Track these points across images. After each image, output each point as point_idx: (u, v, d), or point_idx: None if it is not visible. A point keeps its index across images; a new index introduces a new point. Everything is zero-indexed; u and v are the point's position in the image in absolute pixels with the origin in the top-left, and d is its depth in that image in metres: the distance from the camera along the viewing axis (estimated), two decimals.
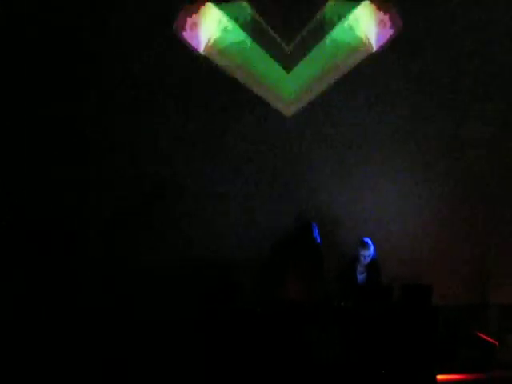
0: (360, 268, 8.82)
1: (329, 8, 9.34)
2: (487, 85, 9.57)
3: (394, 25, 9.34)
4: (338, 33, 9.39)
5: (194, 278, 9.13)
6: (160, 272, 9.19)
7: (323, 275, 8.88)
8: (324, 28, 9.37)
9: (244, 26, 9.31)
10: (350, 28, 9.40)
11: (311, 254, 8.96)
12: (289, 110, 9.50)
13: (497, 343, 9.17)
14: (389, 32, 9.35)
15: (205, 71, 9.31)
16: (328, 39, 9.39)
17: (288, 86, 9.48)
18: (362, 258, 8.73)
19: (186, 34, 9.23)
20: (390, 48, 9.40)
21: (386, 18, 9.33)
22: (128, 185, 9.35)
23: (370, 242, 8.76)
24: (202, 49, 9.27)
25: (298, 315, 8.24)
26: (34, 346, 8.67)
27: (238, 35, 9.32)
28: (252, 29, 9.34)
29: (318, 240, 8.96)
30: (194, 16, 9.21)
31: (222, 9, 9.29)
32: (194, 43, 9.28)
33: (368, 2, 9.34)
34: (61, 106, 9.22)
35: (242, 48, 9.35)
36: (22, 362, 8.48)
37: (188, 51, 9.27)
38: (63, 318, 8.89)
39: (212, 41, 9.31)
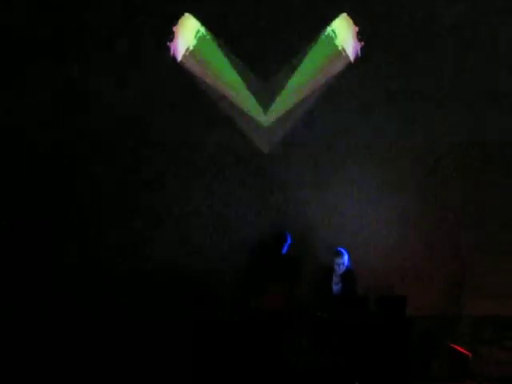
0: (335, 278, 8.85)
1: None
2: (467, 90, 9.63)
3: (368, 35, 9.42)
4: (317, 44, 9.46)
5: (170, 289, 9.13)
6: (138, 281, 9.21)
7: (299, 284, 8.92)
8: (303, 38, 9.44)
9: (222, 37, 9.38)
10: (329, 39, 9.47)
11: (286, 263, 8.98)
12: (267, 119, 9.52)
13: (470, 354, 9.14)
14: (364, 43, 9.42)
15: (183, 79, 9.36)
16: (307, 49, 9.47)
17: (266, 95, 9.51)
18: (336, 267, 8.78)
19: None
20: (368, 57, 9.46)
21: (361, 29, 9.43)
22: (109, 189, 9.39)
23: (343, 251, 8.82)
24: (179, 57, 9.32)
25: (274, 324, 8.25)
26: (28, 346, 8.65)
27: (216, 45, 9.38)
28: (228, 38, 9.40)
29: (286, 250, 8.97)
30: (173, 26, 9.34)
31: (199, 20, 9.37)
32: (172, 51, 9.33)
33: (345, 15, 9.43)
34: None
35: (220, 57, 9.40)
36: (17, 362, 8.49)
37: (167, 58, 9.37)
38: (46, 320, 8.90)
39: (190, 50, 9.36)
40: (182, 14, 9.34)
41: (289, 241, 9.03)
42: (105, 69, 9.32)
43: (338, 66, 9.47)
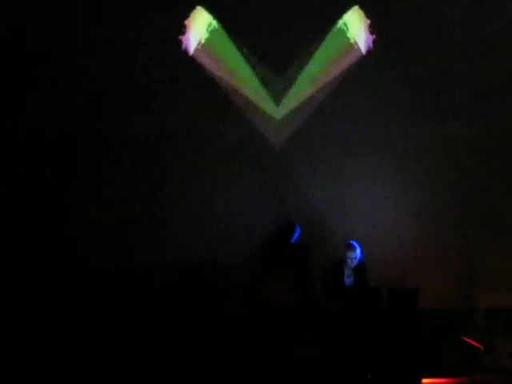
0: (347, 271, 8.83)
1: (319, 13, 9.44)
2: (477, 88, 9.64)
3: (382, 30, 9.44)
4: (328, 37, 9.47)
5: (178, 281, 9.17)
6: (145, 275, 9.22)
7: (308, 273, 8.97)
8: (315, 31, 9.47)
9: (234, 30, 9.39)
10: (340, 32, 9.48)
11: (294, 252, 9.00)
12: (279, 112, 9.54)
13: (481, 347, 9.17)
14: (377, 37, 9.45)
15: (193, 72, 9.39)
16: (319, 42, 9.47)
17: (277, 89, 9.53)
18: (348, 261, 8.76)
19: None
20: (380, 53, 9.49)
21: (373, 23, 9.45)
22: (114, 185, 9.40)
23: (356, 244, 8.80)
24: (191, 51, 9.35)
25: (285, 317, 8.24)
26: (28, 346, 8.66)
27: (228, 38, 9.40)
28: (241, 31, 9.43)
29: (296, 240, 8.99)
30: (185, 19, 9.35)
31: (211, 13, 9.39)
32: (184, 45, 9.36)
33: (357, 8, 9.44)
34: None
35: (231, 51, 9.43)
36: (17, 362, 8.50)
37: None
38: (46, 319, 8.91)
39: (201, 43, 9.39)
40: (194, 8, 9.37)
41: (298, 230, 9.05)
42: (112, 64, 9.35)
43: (351, 59, 9.48)
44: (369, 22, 9.44)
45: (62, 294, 9.07)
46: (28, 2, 9.22)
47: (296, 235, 9.07)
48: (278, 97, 9.53)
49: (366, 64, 9.49)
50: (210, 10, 9.38)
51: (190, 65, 9.38)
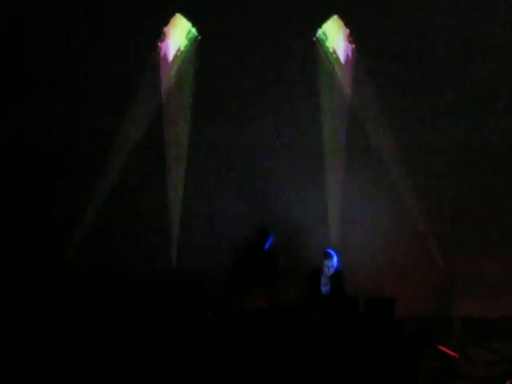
0: (324, 279, 8.83)
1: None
2: (457, 98, 9.69)
3: (359, 39, 9.50)
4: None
5: (160, 289, 9.20)
6: (124, 280, 9.31)
7: (278, 279, 8.99)
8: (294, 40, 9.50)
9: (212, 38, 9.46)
10: (319, 42, 9.53)
11: (267, 259, 9.02)
12: (258, 121, 9.62)
13: (457, 355, 9.19)
14: (356, 45, 9.50)
15: (176, 78, 9.48)
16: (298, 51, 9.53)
17: (258, 98, 9.58)
18: (325, 269, 8.75)
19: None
20: (359, 61, 9.52)
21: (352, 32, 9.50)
22: (109, 193, 9.48)
23: (333, 252, 8.80)
24: (170, 57, 9.42)
25: (263, 325, 8.26)
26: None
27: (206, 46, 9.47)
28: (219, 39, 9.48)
29: (269, 247, 9.02)
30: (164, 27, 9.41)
31: (190, 20, 9.46)
32: (163, 51, 9.43)
33: (336, 17, 9.49)
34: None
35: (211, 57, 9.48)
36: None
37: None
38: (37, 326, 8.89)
39: (180, 50, 9.46)
40: (174, 15, 9.43)
41: (271, 238, 9.06)
42: (100, 69, 9.43)
43: (329, 68, 9.56)
44: (348, 31, 9.49)
45: (56, 295, 9.15)
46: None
47: (269, 242, 9.07)
48: (257, 104, 9.60)
49: (345, 73, 9.55)
50: (189, 17, 9.44)
51: (169, 71, 9.45)
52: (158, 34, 9.39)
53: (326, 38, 9.52)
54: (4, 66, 9.37)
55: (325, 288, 8.82)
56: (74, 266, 9.31)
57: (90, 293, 9.16)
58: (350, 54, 9.49)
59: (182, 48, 9.44)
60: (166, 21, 9.42)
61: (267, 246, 9.04)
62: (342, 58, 9.52)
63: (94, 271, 9.31)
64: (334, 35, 9.51)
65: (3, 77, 9.37)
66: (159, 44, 9.38)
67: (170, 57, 9.39)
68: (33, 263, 9.29)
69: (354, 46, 9.49)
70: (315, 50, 9.53)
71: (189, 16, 9.43)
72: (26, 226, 9.37)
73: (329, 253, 8.78)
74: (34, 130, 9.44)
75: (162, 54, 9.39)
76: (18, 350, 8.56)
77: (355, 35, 9.50)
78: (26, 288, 9.17)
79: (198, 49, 9.45)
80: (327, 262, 8.72)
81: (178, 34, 9.41)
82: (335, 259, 8.76)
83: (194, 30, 9.41)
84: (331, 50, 9.53)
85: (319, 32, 9.51)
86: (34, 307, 9.04)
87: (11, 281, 9.18)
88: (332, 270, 8.75)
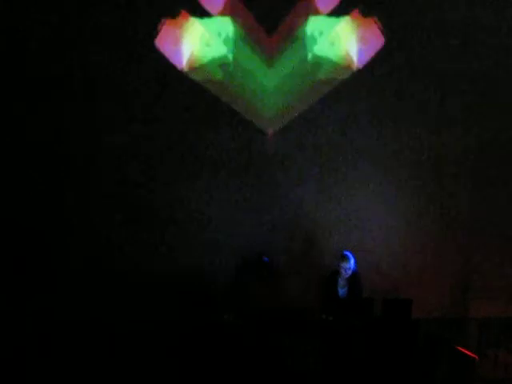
0: (341, 281, 8.85)
1: (310, 24, 9.34)
2: (470, 100, 9.67)
3: (375, 41, 9.34)
4: (319, 49, 9.39)
5: (167, 292, 9.18)
6: (133, 283, 9.28)
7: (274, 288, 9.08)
8: (306, 44, 9.39)
9: (226, 41, 9.32)
10: (332, 44, 9.42)
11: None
12: (270, 126, 9.56)
13: (476, 357, 9.09)
14: (370, 48, 9.35)
15: (187, 87, 9.40)
16: (310, 55, 9.41)
17: (269, 102, 9.53)
18: (342, 272, 8.78)
19: (169, 49, 9.22)
20: (373, 65, 9.42)
21: (367, 34, 9.33)
22: (111, 194, 9.47)
23: (350, 254, 8.81)
24: (183, 64, 9.26)
25: (279, 327, 8.27)
26: (29, 349, 8.73)
27: (220, 50, 9.32)
28: (234, 44, 9.37)
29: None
30: (176, 31, 9.20)
31: (204, 24, 9.30)
32: (175, 58, 9.27)
33: (349, 18, 9.33)
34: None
35: (224, 63, 9.36)
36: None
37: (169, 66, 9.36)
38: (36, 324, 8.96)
39: (194, 56, 9.29)
40: (187, 19, 9.24)
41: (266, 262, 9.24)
42: (104, 70, 9.41)
43: (343, 72, 9.43)
44: (362, 31, 9.35)
45: (62, 297, 9.16)
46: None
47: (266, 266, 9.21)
48: (269, 110, 9.52)
49: (358, 75, 9.44)
50: (203, 21, 9.29)
51: (181, 74, 9.35)
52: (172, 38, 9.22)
53: (340, 40, 9.35)
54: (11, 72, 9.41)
55: (342, 290, 8.85)
56: (76, 269, 9.30)
57: (100, 296, 9.17)
58: (363, 56, 9.34)
59: (196, 51, 9.27)
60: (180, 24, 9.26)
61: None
62: (356, 61, 9.33)
63: (101, 274, 9.30)
64: (348, 37, 9.37)
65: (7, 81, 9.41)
66: (173, 47, 9.21)
67: (183, 62, 9.25)
68: (34, 264, 9.27)
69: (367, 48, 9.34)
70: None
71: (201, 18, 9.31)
72: (27, 226, 9.35)
73: (346, 255, 8.80)
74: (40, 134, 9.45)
75: (176, 58, 9.21)
76: (20, 351, 8.64)
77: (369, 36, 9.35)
78: (26, 288, 9.15)
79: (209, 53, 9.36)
80: (344, 265, 8.75)
81: (192, 38, 9.26)
82: (352, 261, 8.78)
83: (207, 34, 9.25)
84: (344, 52, 9.37)
85: (332, 34, 9.36)
86: (36, 307, 9.04)
87: (11, 281, 9.18)
88: (349, 272, 8.78)
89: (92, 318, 8.99)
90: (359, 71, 9.32)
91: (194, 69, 9.32)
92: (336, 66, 9.42)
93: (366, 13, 9.08)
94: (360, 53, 9.32)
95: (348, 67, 9.39)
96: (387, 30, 9.31)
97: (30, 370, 8.49)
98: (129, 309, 9.07)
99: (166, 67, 9.17)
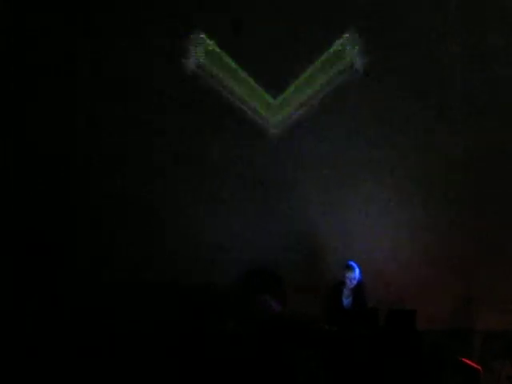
0: (346, 292, 8.87)
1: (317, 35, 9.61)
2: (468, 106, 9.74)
3: (376, 52, 9.64)
4: (325, 58, 9.65)
5: (171, 301, 9.26)
6: (139, 292, 9.34)
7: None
8: (312, 54, 9.63)
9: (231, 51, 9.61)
10: (337, 54, 9.66)
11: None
12: (274, 133, 9.70)
13: (481, 368, 9.05)
14: (373, 59, 9.64)
15: (194, 93, 9.61)
16: (316, 64, 9.64)
17: (274, 110, 9.69)
18: (347, 282, 8.80)
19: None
20: (374, 74, 9.65)
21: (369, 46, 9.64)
22: (112, 197, 9.55)
23: (355, 265, 8.84)
24: (191, 71, 9.59)
25: (284, 338, 8.27)
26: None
27: (226, 59, 9.60)
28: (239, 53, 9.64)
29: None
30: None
31: (209, 36, 9.63)
32: (185, 66, 9.61)
33: (352, 31, 9.62)
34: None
35: (229, 71, 9.63)
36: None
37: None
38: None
39: (201, 63, 9.62)
40: (194, 31, 9.61)
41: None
42: (117, 82, 9.58)
43: (347, 81, 9.68)
44: (363, 43, 9.62)
45: (64, 300, 9.25)
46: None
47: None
48: (275, 117, 9.69)
49: (360, 83, 9.68)
50: (209, 33, 9.60)
51: (190, 85, 9.63)
52: (181, 51, 9.58)
53: (344, 50, 9.67)
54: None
55: (347, 300, 8.87)
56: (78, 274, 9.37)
57: (103, 304, 9.21)
58: (365, 65, 9.65)
59: (203, 62, 9.61)
60: (188, 38, 9.60)
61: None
62: (360, 70, 9.65)
63: (99, 281, 9.39)
64: (351, 47, 9.66)
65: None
66: (183, 60, 9.59)
67: (193, 71, 9.60)
68: (37, 267, 9.33)
69: (368, 58, 9.63)
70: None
71: (208, 33, 9.60)
72: (33, 230, 9.42)
73: (351, 265, 8.83)
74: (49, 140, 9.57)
75: (185, 68, 9.58)
76: (22, 351, 8.67)
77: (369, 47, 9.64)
78: (27, 291, 9.22)
79: (217, 63, 9.61)
80: (349, 275, 8.77)
81: (199, 51, 9.61)
82: (357, 271, 8.81)
83: (213, 46, 9.58)
84: (348, 61, 9.67)
85: (337, 44, 9.65)
86: (39, 310, 9.10)
87: (13, 282, 9.24)
88: (354, 282, 8.80)
89: (92, 320, 9.06)
90: (362, 79, 9.60)
91: (201, 76, 9.62)
92: (340, 75, 9.68)
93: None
94: (362, 63, 9.62)
95: (351, 76, 9.65)
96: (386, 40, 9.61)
97: (37, 368, 8.55)
98: (130, 310, 9.14)
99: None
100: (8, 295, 9.13)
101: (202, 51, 9.61)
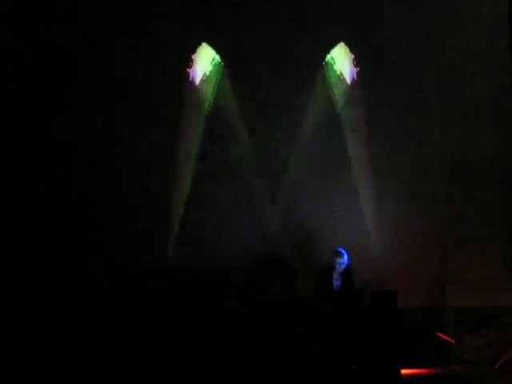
0: (335, 275, 9.20)
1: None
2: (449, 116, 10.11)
3: (363, 63, 10.00)
4: (318, 69, 10.03)
5: (180, 282, 9.51)
6: (148, 276, 9.52)
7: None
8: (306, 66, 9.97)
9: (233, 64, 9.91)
10: (328, 65, 10.05)
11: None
12: (270, 135, 10.03)
13: (453, 342, 9.64)
14: (360, 69, 10.01)
15: (198, 101, 9.88)
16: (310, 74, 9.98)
17: (272, 111, 10.03)
18: (337, 266, 9.13)
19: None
20: (363, 82, 10.04)
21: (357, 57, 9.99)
22: (125, 192, 9.76)
23: (343, 251, 9.19)
24: (197, 81, 9.89)
25: (281, 316, 8.53)
26: (28, 347, 8.85)
27: (228, 72, 9.92)
28: (240, 65, 9.96)
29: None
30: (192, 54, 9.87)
31: (214, 48, 9.93)
32: (190, 77, 9.91)
33: (343, 44, 10.08)
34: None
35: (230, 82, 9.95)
36: (23, 365, 8.67)
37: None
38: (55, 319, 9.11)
39: (206, 75, 9.93)
40: (200, 44, 9.94)
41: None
42: (122, 91, 9.76)
43: (338, 89, 10.03)
44: (353, 56, 10.03)
45: (77, 292, 9.32)
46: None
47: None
48: (272, 122, 10.01)
49: (351, 93, 10.00)
50: (214, 46, 9.91)
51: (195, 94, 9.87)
52: (187, 61, 9.84)
53: (334, 62, 10.05)
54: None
55: (337, 282, 9.21)
56: (93, 264, 9.41)
57: (112, 289, 9.33)
58: (355, 76, 10.01)
59: (208, 73, 9.90)
60: (194, 49, 9.86)
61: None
62: (349, 80, 10.01)
63: (111, 268, 9.47)
64: (341, 60, 10.02)
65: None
66: (188, 70, 9.85)
67: (197, 81, 9.88)
68: (44, 262, 9.37)
69: (358, 69, 10.00)
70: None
71: (212, 44, 9.88)
72: (44, 225, 9.47)
73: (340, 251, 9.17)
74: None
75: (190, 78, 9.89)
76: (24, 350, 8.76)
77: (359, 60, 9.97)
78: (31, 287, 9.24)
79: (221, 73, 9.86)
80: (338, 260, 9.10)
81: (204, 61, 9.88)
82: (345, 257, 9.14)
83: (217, 57, 9.88)
84: (338, 72, 10.04)
85: (328, 57, 10.05)
86: (47, 304, 9.16)
87: (15, 280, 9.22)
88: (343, 267, 9.12)
89: (107, 308, 9.16)
90: (355, 81, 9.86)
91: (205, 86, 9.89)
92: (332, 85, 10.03)
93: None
94: (351, 73, 9.96)
95: (342, 85, 10.00)
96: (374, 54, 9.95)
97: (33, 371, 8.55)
98: (140, 303, 9.23)
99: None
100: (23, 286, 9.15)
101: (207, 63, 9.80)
